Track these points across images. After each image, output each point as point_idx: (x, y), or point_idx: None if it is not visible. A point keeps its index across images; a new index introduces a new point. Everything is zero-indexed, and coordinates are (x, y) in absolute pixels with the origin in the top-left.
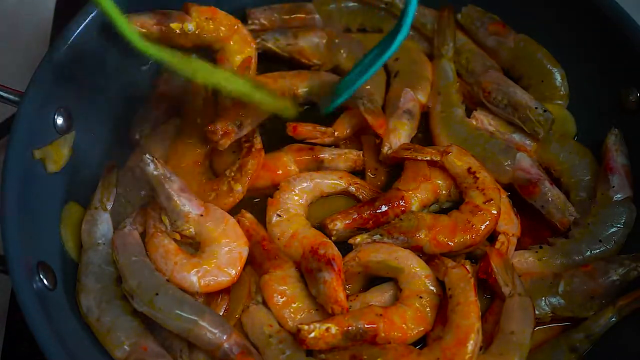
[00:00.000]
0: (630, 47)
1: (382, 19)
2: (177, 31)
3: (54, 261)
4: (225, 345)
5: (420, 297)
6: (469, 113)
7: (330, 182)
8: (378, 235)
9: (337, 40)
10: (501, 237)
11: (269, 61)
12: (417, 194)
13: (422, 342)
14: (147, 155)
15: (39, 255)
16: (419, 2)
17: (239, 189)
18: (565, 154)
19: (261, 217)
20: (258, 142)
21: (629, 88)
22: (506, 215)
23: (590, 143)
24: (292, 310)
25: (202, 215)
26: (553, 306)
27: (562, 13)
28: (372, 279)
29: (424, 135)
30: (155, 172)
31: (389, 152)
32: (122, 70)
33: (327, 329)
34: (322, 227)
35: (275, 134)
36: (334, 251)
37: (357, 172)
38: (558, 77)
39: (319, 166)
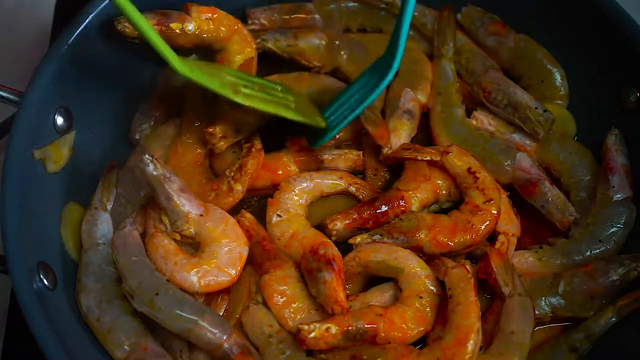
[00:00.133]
0: (630, 47)
1: (382, 19)
2: (177, 31)
3: (54, 261)
4: (225, 345)
5: (420, 297)
6: (469, 113)
7: (330, 182)
8: (378, 235)
9: (337, 42)
10: (501, 237)
11: (268, 62)
12: (417, 194)
13: (422, 342)
14: (147, 156)
15: (39, 255)
16: (419, 2)
17: (239, 189)
18: (565, 154)
19: (261, 217)
20: (258, 143)
21: (629, 88)
22: (506, 215)
23: (590, 143)
24: (292, 310)
25: (202, 215)
26: (553, 306)
27: (562, 13)
28: (372, 279)
29: (424, 135)
30: (155, 173)
31: (389, 152)
32: (122, 70)
33: (327, 329)
34: (322, 227)
35: (276, 134)
36: (334, 251)
37: (357, 172)
38: (558, 77)
39: (319, 166)
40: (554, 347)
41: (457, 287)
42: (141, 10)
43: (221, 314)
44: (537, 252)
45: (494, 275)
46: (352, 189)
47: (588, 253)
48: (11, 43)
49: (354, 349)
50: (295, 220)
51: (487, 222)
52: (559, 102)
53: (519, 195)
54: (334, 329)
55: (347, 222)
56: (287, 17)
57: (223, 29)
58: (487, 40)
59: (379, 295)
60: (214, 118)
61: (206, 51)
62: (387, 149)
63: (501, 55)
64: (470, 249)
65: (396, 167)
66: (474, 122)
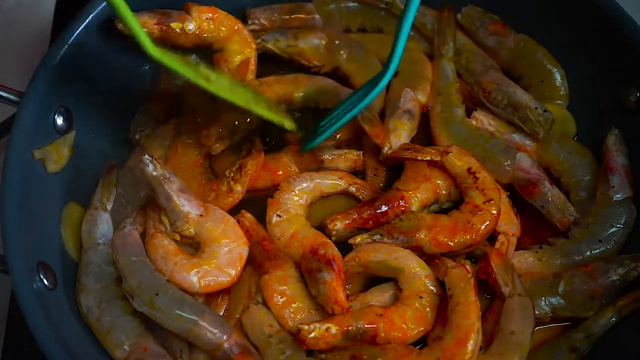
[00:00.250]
0: (630, 47)
1: (382, 19)
2: (178, 31)
3: (54, 261)
4: (225, 345)
5: (420, 297)
6: (469, 113)
7: (330, 182)
8: (378, 235)
9: (337, 42)
10: (501, 237)
11: (268, 62)
12: (417, 194)
13: (422, 342)
14: (147, 156)
15: (39, 255)
16: (419, 2)
17: (239, 189)
18: (565, 154)
19: (261, 217)
20: (258, 143)
21: (629, 88)
22: (506, 215)
23: (590, 143)
24: (292, 310)
25: (201, 215)
26: (553, 306)
27: (562, 13)
28: (372, 279)
29: (424, 136)
30: (154, 173)
31: (389, 152)
32: (122, 70)
33: (327, 329)
34: (322, 227)
35: (276, 135)
36: (334, 251)
37: (357, 172)
38: (558, 77)
39: (319, 166)
40: (554, 347)
41: (457, 287)
42: (142, 10)
43: (221, 314)
44: (537, 252)
45: (494, 275)
46: (352, 189)
47: (588, 253)
48: (11, 43)
49: (354, 349)
50: (295, 221)
51: (487, 222)
52: (559, 102)
53: (519, 195)
54: (334, 329)
55: (347, 222)
56: (287, 17)
57: (223, 28)
58: (487, 40)
59: (379, 295)
60: (213, 119)
61: (206, 51)
62: (387, 149)
63: (501, 55)
64: (470, 249)
65: (396, 167)
66: (474, 122)
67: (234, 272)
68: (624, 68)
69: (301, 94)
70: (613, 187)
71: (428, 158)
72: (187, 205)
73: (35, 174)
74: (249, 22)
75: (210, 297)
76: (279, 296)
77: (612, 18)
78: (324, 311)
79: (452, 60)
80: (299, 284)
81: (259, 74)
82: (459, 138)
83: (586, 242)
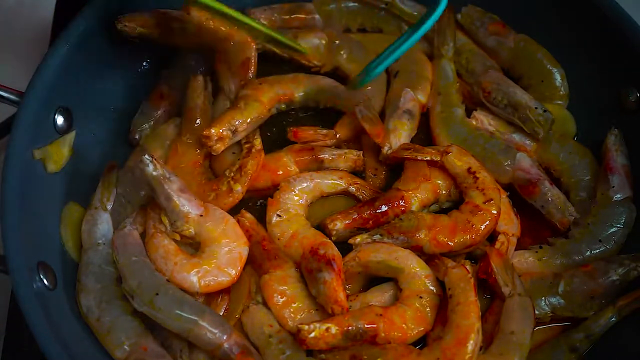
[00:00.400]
0: (630, 47)
1: (382, 19)
2: (178, 31)
3: (54, 261)
4: (225, 345)
5: (420, 297)
6: (469, 113)
7: (330, 182)
8: (378, 235)
9: (337, 42)
10: (501, 237)
11: (268, 62)
12: (417, 194)
13: (422, 342)
14: (147, 156)
15: (39, 255)
16: (418, 2)
17: (239, 189)
18: (565, 154)
19: (261, 217)
20: (258, 143)
21: (629, 88)
22: (506, 215)
23: (590, 143)
24: (292, 310)
25: (201, 215)
26: (553, 306)
27: (562, 13)
28: (372, 279)
29: (424, 136)
30: (154, 173)
31: (389, 152)
32: (122, 70)
33: (327, 329)
34: (322, 227)
35: (276, 135)
36: (334, 251)
37: (357, 172)
38: (558, 77)
39: (319, 166)
40: (554, 347)
41: (457, 287)
42: (142, 10)
43: (221, 314)
44: (537, 252)
45: (494, 275)
46: (352, 189)
47: (588, 253)
48: (11, 43)
49: (354, 349)
50: (295, 220)
51: (487, 222)
52: (559, 102)
53: (519, 195)
54: (334, 329)
55: (347, 222)
56: (287, 17)
57: (223, 29)
58: (487, 40)
59: (379, 295)
60: (213, 119)
61: (206, 51)
62: (387, 148)
63: (501, 55)
64: (470, 249)
65: (396, 167)
66: (474, 122)
67: (234, 272)
68: (624, 68)
69: (301, 94)
70: (613, 187)
71: (428, 158)
72: (187, 205)
73: (35, 174)
74: None
75: (210, 297)
76: (279, 296)
77: (612, 18)
78: (324, 311)
79: (452, 60)
80: (299, 284)
81: (259, 74)
82: (459, 138)
83: (586, 242)
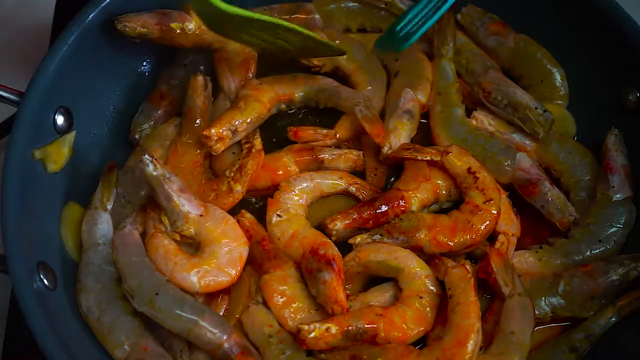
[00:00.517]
0: (630, 47)
1: (382, 19)
2: (178, 31)
3: (54, 261)
4: (225, 345)
5: (420, 297)
6: (469, 113)
7: (330, 182)
8: (378, 235)
9: (337, 42)
10: (501, 237)
11: (268, 62)
12: (417, 194)
13: (422, 342)
14: (147, 156)
15: (39, 255)
16: (418, 2)
17: (239, 189)
18: (565, 154)
19: (261, 217)
20: (258, 143)
21: (628, 88)
22: (506, 215)
23: (590, 143)
24: (292, 310)
25: (201, 215)
26: (553, 306)
27: (562, 13)
28: (372, 279)
29: (424, 136)
30: (154, 173)
31: (389, 152)
32: (122, 70)
33: (327, 329)
34: (322, 227)
35: (276, 134)
36: (334, 251)
37: (357, 172)
38: (558, 77)
39: (319, 166)
40: (554, 347)
41: (457, 287)
42: (142, 10)
43: (221, 314)
44: (537, 252)
45: (494, 275)
46: (352, 189)
47: (588, 253)
48: (11, 43)
49: (354, 349)
50: (295, 220)
51: (487, 222)
52: (559, 102)
53: (519, 195)
54: (334, 329)
55: (347, 222)
56: (287, 17)
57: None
58: (487, 40)
59: (379, 295)
60: (213, 119)
61: (206, 51)
62: (387, 148)
63: (501, 55)
64: (470, 249)
65: (396, 167)
66: (474, 122)
67: (234, 272)
68: (624, 68)
69: (301, 94)
70: (613, 187)
71: (428, 158)
72: (187, 205)
73: (35, 174)
74: None
75: (210, 297)
76: (279, 296)
77: (612, 18)
78: (324, 311)
79: (452, 60)
80: (299, 284)
81: (259, 74)
82: (459, 138)
83: (586, 242)
